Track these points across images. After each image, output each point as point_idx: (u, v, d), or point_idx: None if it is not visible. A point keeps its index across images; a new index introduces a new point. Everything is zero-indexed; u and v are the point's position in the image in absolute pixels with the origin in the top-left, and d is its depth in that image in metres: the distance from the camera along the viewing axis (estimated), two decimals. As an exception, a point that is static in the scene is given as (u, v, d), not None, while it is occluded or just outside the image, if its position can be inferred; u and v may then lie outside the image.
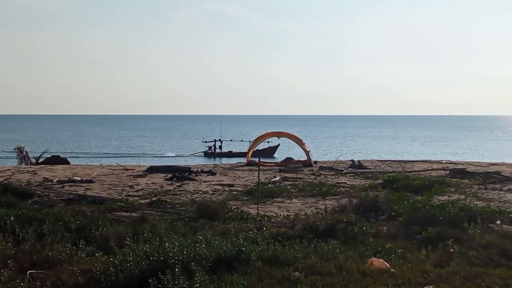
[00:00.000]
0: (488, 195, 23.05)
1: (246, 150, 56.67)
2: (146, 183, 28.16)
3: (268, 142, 58.75)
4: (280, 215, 17.97)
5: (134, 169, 36.29)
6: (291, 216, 17.45)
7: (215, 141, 60.38)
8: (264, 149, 58.24)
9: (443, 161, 45.58)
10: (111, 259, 10.22)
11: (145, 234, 13.09)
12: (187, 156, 59.49)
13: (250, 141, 59.36)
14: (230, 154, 57.05)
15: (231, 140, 65.05)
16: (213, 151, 59.00)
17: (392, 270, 10.51)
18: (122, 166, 39.02)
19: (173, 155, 62.03)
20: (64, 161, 43.65)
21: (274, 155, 56.90)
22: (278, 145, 59.64)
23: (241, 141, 64.77)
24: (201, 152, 60.22)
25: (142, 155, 64.06)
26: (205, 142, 61.38)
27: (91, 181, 28.56)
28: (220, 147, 59.71)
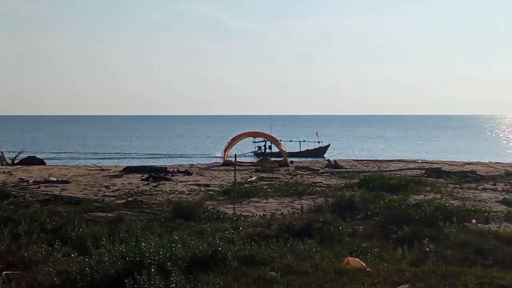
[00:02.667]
0: (463, 194, 23.22)
1: (296, 150, 57.11)
2: (122, 183, 28.02)
3: (319, 142, 59.02)
4: (257, 215, 17.97)
5: (110, 170, 36.11)
6: (268, 216, 17.45)
7: (265, 141, 59.81)
8: (315, 149, 58.60)
9: (419, 161, 45.88)
10: (87, 259, 10.18)
11: (121, 234, 13.04)
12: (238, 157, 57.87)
13: (300, 141, 59.64)
14: (280, 154, 56.08)
15: (280, 140, 64.59)
16: (263, 151, 58.50)
17: (368, 269, 10.56)
18: (98, 166, 38.79)
19: (219, 155, 61.00)
20: (40, 162, 43.30)
21: (324, 155, 56.73)
22: (329, 145, 60.06)
23: (290, 140, 64.56)
24: (251, 152, 59.34)
25: (182, 155, 62.87)
26: (255, 142, 60.96)
27: (67, 182, 28.35)
28: (270, 147, 59.08)
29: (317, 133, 63.15)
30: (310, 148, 58.88)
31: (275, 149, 58.20)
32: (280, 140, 46.54)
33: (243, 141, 49.56)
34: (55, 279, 9.81)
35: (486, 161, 46.71)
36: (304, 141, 60.66)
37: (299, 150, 57.57)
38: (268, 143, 58.65)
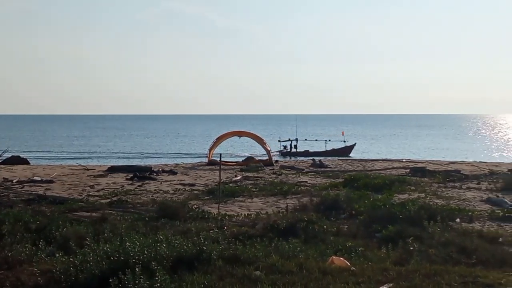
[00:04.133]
0: (447, 194, 23.32)
1: (322, 150, 57.15)
2: (106, 183, 27.94)
3: (345, 141, 59.07)
4: (241, 214, 17.96)
5: (94, 169, 36.02)
6: (252, 215, 17.45)
7: (290, 140, 59.75)
8: (341, 148, 58.76)
9: (404, 160, 46.07)
10: (71, 259, 10.15)
11: (106, 234, 13.01)
12: (261, 156, 57.46)
13: (326, 140, 59.63)
14: (306, 154, 56.06)
15: (305, 139, 64.37)
16: (288, 150, 58.49)
17: (353, 268, 10.59)
18: (83, 166, 38.65)
19: (248, 154, 60.72)
20: (24, 161, 43.10)
21: (350, 154, 57.03)
22: (355, 144, 60.20)
23: (316, 140, 64.46)
24: (277, 151, 58.68)
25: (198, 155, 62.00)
26: (280, 141, 60.85)
27: (51, 181, 28.23)
28: (296, 147, 59.04)
29: (343, 132, 63.50)
30: (335, 147, 59.09)
31: (300, 148, 58.51)
32: (285, 141, 46.46)
33: (249, 141, 49.42)
34: (39, 279, 9.78)
35: (471, 160, 47.01)
36: (329, 140, 60.80)
37: (325, 150, 57.81)
38: (294, 143, 58.85)
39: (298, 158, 51.25)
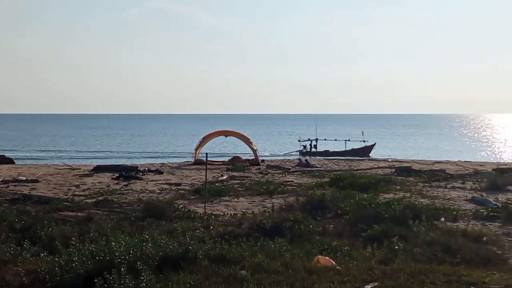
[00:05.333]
0: (432, 193, 23.42)
1: (341, 150, 57.15)
2: (92, 183, 27.86)
3: (365, 141, 59.04)
4: (227, 214, 17.96)
5: (80, 169, 35.90)
6: (238, 215, 17.45)
7: (310, 140, 59.62)
8: (361, 148, 58.70)
9: (389, 159, 46.23)
10: (56, 259, 10.12)
11: (91, 234, 12.97)
12: (282, 156, 56.63)
13: (346, 140, 59.58)
14: (326, 153, 55.88)
15: (325, 139, 64.23)
16: (308, 150, 58.25)
17: (338, 267, 10.64)
18: (68, 165, 38.52)
19: (268, 154, 60.48)
20: (9, 161, 42.89)
21: (370, 154, 57.02)
22: (375, 144, 60.02)
23: (335, 140, 64.40)
24: (296, 151, 59.18)
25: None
26: (300, 141, 60.72)
27: (36, 181, 28.11)
28: (315, 146, 58.90)
29: (362, 132, 63.56)
30: (355, 147, 59.07)
31: (320, 148, 58.47)
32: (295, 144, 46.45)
33: (235, 141, 49.14)
34: (24, 279, 9.74)
35: (456, 160, 47.25)
36: (349, 140, 60.77)
37: (344, 149, 57.84)
38: (314, 142, 58.79)
39: (317, 157, 51.15)
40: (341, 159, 46.56)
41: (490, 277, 10.18)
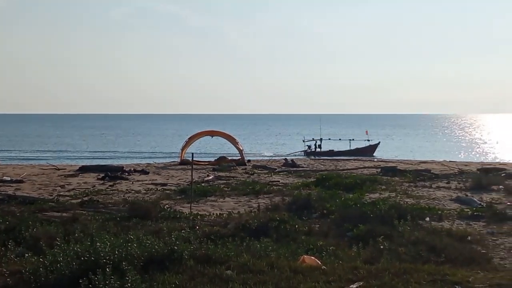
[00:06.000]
0: (418, 193, 23.51)
1: (346, 149, 57.15)
2: (77, 183, 27.76)
3: (369, 140, 59.08)
4: (213, 214, 17.96)
5: (65, 169, 35.75)
6: (224, 215, 17.45)
7: (315, 140, 59.50)
8: (365, 147, 58.74)
9: (375, 159, 46.40)
10: (41, 259, 10.07)
11: (76, 234, 12.95)
12: (285, 156, 55.44)
13: (350, 140, 59.55)
14: (331, 153, 55.74)
15: (329, 139, 64.14)
16: (313, 150, 57.98)
17: (323, 267, 10.67)
18: (53, 165, 38.36)
19: (271, 154, 60.32)
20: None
21: (374, 154, 57.19)
22: (379, 143, 60.11)
23: (339, 139, 64.40)
24: (301, 151, 59.11)
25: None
26: (304, 141, 60.68)
27: (21, 181, 27.97)
28: (320, 146, 58.85)
29: (366, 131, 63.70)
30: (359, 147, 59.11)
31: (324, 148, 58.50)
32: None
33: (221, 141, 48.88)
34: (8, 279, 9.69)
35: (441, 160, 47.45)
36: (353, 139, 60.79)
37: (349, 149, 57.94)
38: (318, 142, 58.82)
39: (322, 157, 51.17)
40: (327, 159, 46.66)
41: (474, 276, 10.25)
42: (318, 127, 66.08)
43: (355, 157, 49.48)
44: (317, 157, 52.12)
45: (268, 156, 52.46)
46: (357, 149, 57.83)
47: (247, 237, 13.12)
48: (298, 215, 16.82)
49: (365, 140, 59.91)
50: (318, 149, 57.96)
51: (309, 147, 58.60)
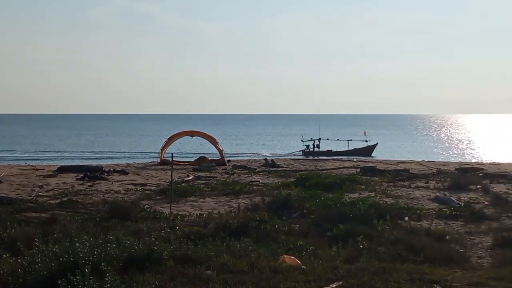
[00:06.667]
0: (397, 192, 23.65)
1: (344, 149, 57.21)
2: (56, 183, 27.62)
3: (367, 141, 59.20)
4: (193, 214, 17.96)
5: (44, 169, 35.53)
6: (204, 215, 17.46)
7: (313, 140, 59.56)
8: (363, 147, 59.03)
9: (354, 159, 46.55)
10: (19, 260, 9.98)
11: (55, 235, 12.86)
12: (284, 156, 56.89)
13: (348, 140, 59.57)
14: (329, 153, 55.94)
15: (327, 139, 64.03)
16: (311, 150, 58.13)
17: (303, 267, 10.69)
18: (32, 166, 38.11)
19: (269, 154, 60.21)
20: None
21: (372, 154, 57.57)
22: (377, 144, 60.41)
23: (337, 139, 64.43)
24: (299, 151, 59.30)
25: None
26: (303, 141, 60.63)
27: (-1, 181, 27.78)
28: (318, 146, 58.84)
29: (365, 132, 63.83)
30: (357, 147, 59.54)
31: (323, 147, 58.60)
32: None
33: (201, 141, 48.90)
34: (-15, 281, 9.61)
35: (419, 159, 47.75)
36: (351, 140, 61.05)
37: (347, 149, 58.24)
38: (317, 142, 58.92)
39: (320, 157, 51.35)
40: (307, 159, 46.81)
41: (452, 275, 10.33)
42: (281, 129, 66.59)
43: (356, 157, 49.68)
44: (315, 157, 52.56)
45: (267, 156, 52.66)
46: (355, 149, 58.36)
47: (227, 237, 13.14)
48: (278, 215, 16.88)
49: (363, 140, 60.39)
50: (316, 149, 58.32)
51: (308, 146, 58.95)
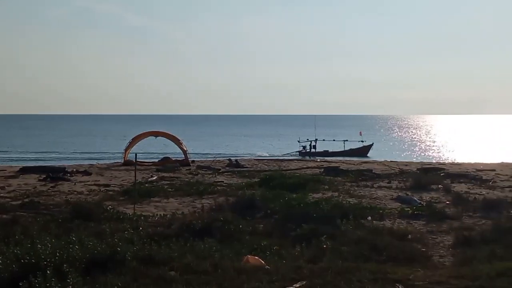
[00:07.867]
0: (360, 192, 23.83)
1: (340, 150, 57.29)
2: (18, 184, 27.26)
3: (362, 141, 59.17)
4: (157, 214, 17.87)
5: (5, 170, 35.03)
6: (168, 216, 17.39)
7: (310, 141, 59.35)
8: (358, 148, 59.57)
9: (318, 160, 46.78)
10: (-21, 263, 9.85)
11: (17, 236, 12.69)
12: (281, 156, 56.75)
13: (344, 141, 59.50)
14: (326, 154, 56.05)
15: (323, 140, 63.75)
16: (308, 150, 58.13)
17: (267, 267, 10.72)
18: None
19: (267, 155, 59.84)
20: None
21: (368, 155, 57.85)
22: (372, 144, 60.86)
23: (333, 140, 64.23)
24: (296, 151, 59.40)
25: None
26: (299, 142, 60.45)
27: (-42, 183, 27.35)
28: (315, 147, 58.76)
29: (360, 132, 63.94)
30: (353, 148, 59.97)
31: (319, 148, 58.58)
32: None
33: (165, 141, 48.70)
34: None
35: (382, 159, 48.15)
36: (347, 140, 61.15)
37: (343, 149, 58.51)
38: (313, 143, 58.89)
39: (317, 158, 51.46)
40: (271, 159, 46.91)
41: (414, 274, 10.45)
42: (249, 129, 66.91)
43: (355, 158, 50.08)
44: (312, 157, 52.97)
45: (265, 157, 52.84)
46: (351, 149, 58.94)
47: (191, 238, 13.09)
48: (242, 215, 16.86)
49: (359, 141, 60.88)
50: (313, 150, 58.58)
51: (304, 147, 59.27)
